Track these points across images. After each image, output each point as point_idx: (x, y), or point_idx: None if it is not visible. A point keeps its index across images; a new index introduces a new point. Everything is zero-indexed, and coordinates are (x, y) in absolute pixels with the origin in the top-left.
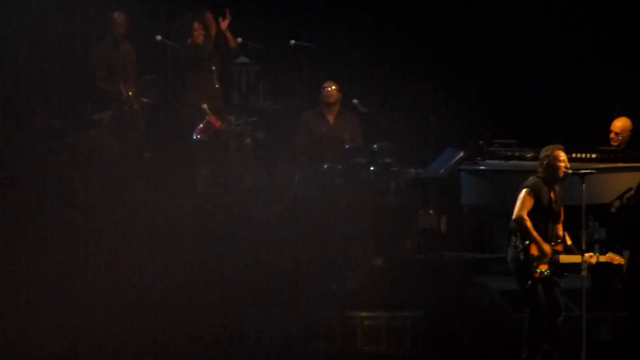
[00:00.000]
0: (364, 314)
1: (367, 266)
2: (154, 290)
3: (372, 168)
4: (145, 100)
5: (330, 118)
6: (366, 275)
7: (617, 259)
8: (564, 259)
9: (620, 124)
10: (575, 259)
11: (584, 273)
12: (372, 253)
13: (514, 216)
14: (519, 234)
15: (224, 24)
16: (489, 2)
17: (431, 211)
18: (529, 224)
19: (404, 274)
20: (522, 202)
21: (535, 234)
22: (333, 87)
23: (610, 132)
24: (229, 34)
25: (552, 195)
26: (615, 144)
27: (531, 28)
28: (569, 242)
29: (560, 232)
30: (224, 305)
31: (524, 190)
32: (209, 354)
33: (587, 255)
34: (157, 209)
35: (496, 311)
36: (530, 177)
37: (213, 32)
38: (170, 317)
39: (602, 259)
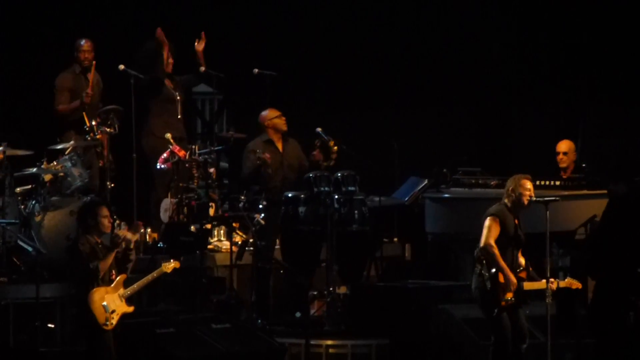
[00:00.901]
0: (328, 342)
1: (332, 294)
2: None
3: (336, 196)
4: (108, 130)
5: (279, 146)
6: (331, 303)
7: (575, 284)
8: (528, 286)
9: (565, 144)
10: (539, 285)
11: (548, 300)
12: (336, 281)
13: (481, 244)
14: (484, 262)
15: (200, 46)
16: (452, 30)
17: (395, 239)
18: (496, 251)
19: (369, 301)
20: (489, 229)
21: (502, 262)
22: (282, 115)
23: (558, 154)
24: (202, 57)
25: (516, 222)
26: (564, 165)
27: (494, 56)
28: (529, 269)
29: (522, 260)
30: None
31: (489, 218)
32: None
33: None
34: None
35: (461, 338)
36: (494, 205)
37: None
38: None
39: (562, 284)
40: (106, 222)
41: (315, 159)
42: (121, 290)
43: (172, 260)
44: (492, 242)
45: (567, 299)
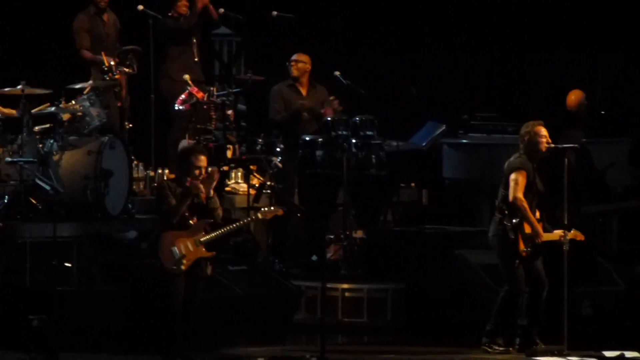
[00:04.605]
0: (345, 285)
1: (349, 238)
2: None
3: (353, 140)
4: (126, 70)
5: (303, 90)
6: (347, 247)
7: (580, 236)
8: (545, 237)
9: (574, 97)
10: (552, 237)
11: (565, 248)
12: (353, 225)
13: (510, 198)
14: (506, 212)
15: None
16: None
17: (412, 184)
18: (526, 205)
19: (385, 246)
20: (516, 183)
21: (531, 214)
22: (300, 61)
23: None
24: (211, 7)
25: (535, 173)
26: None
27: (512, 1)
28: (543, 220)
29: (537, 212)
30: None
31: (516, 172)
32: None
33: (558, 232)
34: None
35: (477, 284)
36: (516, 158)
37: (198, 5)
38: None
39: (569, 235)
40: (196, 172)
41: (324, 115)
42: (199, 235)
43: (272, 208)
44: (520, 195)
45: (583, 248)
